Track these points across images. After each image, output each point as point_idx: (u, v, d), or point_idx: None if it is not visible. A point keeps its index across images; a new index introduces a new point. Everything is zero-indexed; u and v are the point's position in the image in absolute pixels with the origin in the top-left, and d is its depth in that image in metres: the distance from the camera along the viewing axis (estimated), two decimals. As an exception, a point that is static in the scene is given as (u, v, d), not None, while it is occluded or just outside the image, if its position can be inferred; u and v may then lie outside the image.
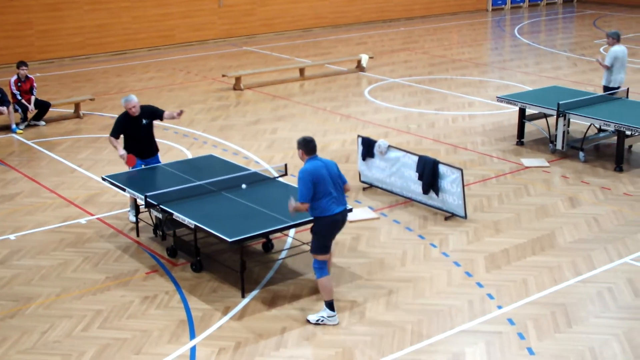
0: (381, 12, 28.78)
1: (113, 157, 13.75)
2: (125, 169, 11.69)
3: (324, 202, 7.98)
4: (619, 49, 14.24)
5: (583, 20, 29.69)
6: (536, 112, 14.08)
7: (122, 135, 10.71)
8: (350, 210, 8.57)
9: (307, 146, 8.11)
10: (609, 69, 14.25)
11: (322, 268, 8.11)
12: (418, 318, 8.33)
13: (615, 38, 14.37)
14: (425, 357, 7.62)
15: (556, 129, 13.40)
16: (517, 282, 9.09)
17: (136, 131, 10.71)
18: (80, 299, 8.85)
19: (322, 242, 8.10)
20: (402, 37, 25.79)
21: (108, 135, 10.90)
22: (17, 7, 21.71)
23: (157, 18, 24.09)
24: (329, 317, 8.13)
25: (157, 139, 14.17)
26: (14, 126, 15.39)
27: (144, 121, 10.76)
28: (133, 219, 10.79)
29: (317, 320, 8.13)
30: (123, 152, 10.67)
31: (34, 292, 9.05)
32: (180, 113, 10.90)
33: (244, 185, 9.84)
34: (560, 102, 13.23)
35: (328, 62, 21.12)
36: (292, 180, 11.46)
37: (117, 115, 10.87)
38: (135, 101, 10.59)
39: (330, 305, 8.13)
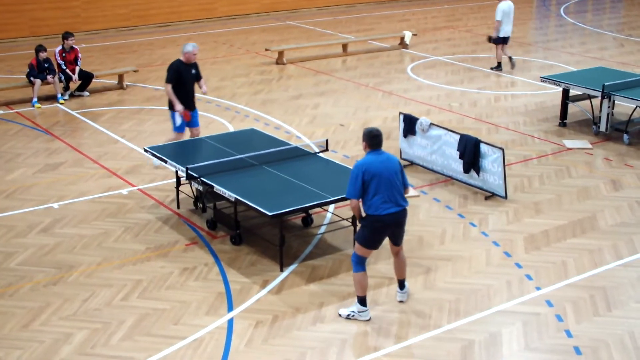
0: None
1: (155, 128, 13.89)
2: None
3: (375, 200, 7.56)
4: (505, 4, 17.28)
5: (632, -1, 29.06)
6: (580, 93, 13.86)
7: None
8: (405, 211, 7.84)
9: (371, 140, 7.66)
10: (499, 24, 17.21)
11: (359, 263, 7.77)
12: (456, 297, 8.32)
13: None
14: (462, 336, 7.61)
15: (600, 111, 13.19)
16: (557, 264, 9.01)
17: (187, 79, 11.27)
18: (121, 269, 8.99)
19: (368, 238, 7.71)
20: (445, 14, 25.52)
21: (165, 83, 11.29)
22: (64, -22, 21.95)
23: (201, -9, 24.16)
24: (359, 312, 7.84)
25: (199, 112, 14.26)
26: (59, 96, 15.60)
27: (193, 71, 11.38)
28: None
29: (348, 315, 7.90)
30: (181, 107, 11.19)
31: (75, 260, 9.21)
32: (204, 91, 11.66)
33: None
34: (606, 84, 13.01)
35: (371, 39, 20.99)
36: (332, 156, 11.47)
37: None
38: (197, 47, 11.30)
39: (362, 300, 7.83)
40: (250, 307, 8.16)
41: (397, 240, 7.96)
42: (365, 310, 7.87)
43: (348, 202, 7.94)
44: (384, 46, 20.53)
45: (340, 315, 7.94)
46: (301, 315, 7.99)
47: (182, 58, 11.26)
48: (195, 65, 11.40)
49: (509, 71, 17.81)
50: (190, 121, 11.52)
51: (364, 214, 7.77)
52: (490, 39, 17.72)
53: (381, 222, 7.65)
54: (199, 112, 12.06)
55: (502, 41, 17.52)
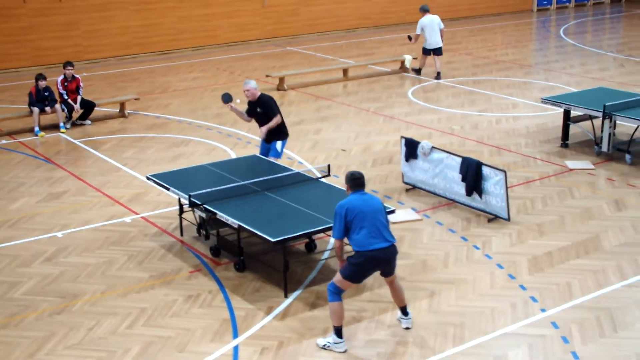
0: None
1: (157, 156, 13.94)
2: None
3: (361, 236, 7.60)
4: (426, 19, 19.33)
5: (631, 20, 29.21)
6: (581, 113, 13.89)
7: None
8: (394, 248, 7.84)
9: (353, 182, 7.82)
10: (418, 36, 19.53)
11: (336, 293, 7.70)
12: (460, 320, 8.29)
13: (423, 11, 19.46)
14: (467, 360, 7.59)
15: (602, 131, 13.22)
16: (561, 286, 8.99)
17: (254, 115, 11.55)
18: (125, 297, 8.98)
19: (354, 273, 7.68)
20: (445, 38, 25.41)
21: None
22: (66, 8, 22.09)
23: (202, 18, 24.30)
24: (335, 343, 7.73)
25: (200, 139, 14.25)
26: (61, 124, 15.66)
27: (259, 109, 11.43)
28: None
29: (324, 345, 7.78)
30: (234, 108, 11.60)
31: (80, 289, 9.20)
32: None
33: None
34: (607, 104, 13.04)
35: (371, 63, 21.10)
36: (335, 181, 11.49)
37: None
38: (248, 86, 11.33)
39: (338, 331, 7.72)
40: (255, 334, 8.14)
41: (387, 274, 7.94)
42: (341, 342, 7.75)
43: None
44: (385, 70, 20.63)
45: (317, 344, 7.85)
46: (306, 341, 7.96)
47: None
48: (261, 104, 11.38)
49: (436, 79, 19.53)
50: (269, 151, 11.62)
51: (345, 257, 7.82)
52: (410, 38, 19.94)
53: (369, 258, 7.63)
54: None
55: (428, 52, 19.54)
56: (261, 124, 11.50)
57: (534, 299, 8.69)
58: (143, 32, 23.41)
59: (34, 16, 21.72)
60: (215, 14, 24.49)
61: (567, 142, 13.94)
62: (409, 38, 20.01)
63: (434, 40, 19.40)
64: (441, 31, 19.49)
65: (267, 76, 19.19)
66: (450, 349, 7.77)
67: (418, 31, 19.57)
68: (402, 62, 20.50)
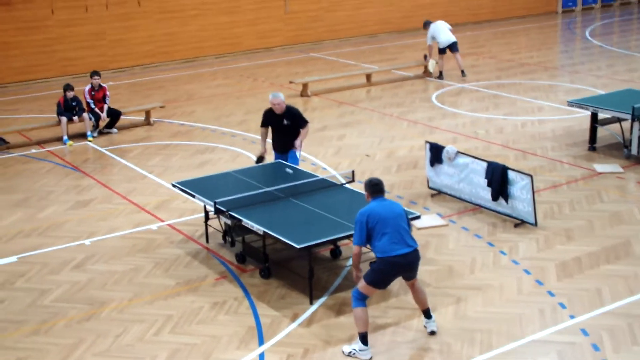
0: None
1: (183, 163, 13.99)
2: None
3: (384, 242, 7.61)
4: (431, 28, 19.88)
5: (658, 21, 28.91)
6: (609, 116, 13.75)
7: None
8: (417, 251, 7.85)
9: (372, 188, 7.88)
10: (431, 47, 19.93)
11: (360, 299, 7.70)
12: (487, 326, 8.22)
13: (426, 26, 20.19)
14: (495, 367, 7.52)
15: (631, 134, 13.07)
16: (591, 292, 8.88)
17: (278, 127, 11.36)
18: (152, 304, 9.01)
19: (377, 279, 7.69)
20: (468, 41, 25.51)
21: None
22: (92, 19, 22.26)
23: (224, 26, 24.37)
24: (360, 350, 7.68)
25: (225, 146, 14.27)
26: (88, 133, 15.79)
27: (285, 122, 11.27)
28: None
29: (350, 352, 7.73)
30: (262, 152, 11.53)
31: (107, 296, 9.25)
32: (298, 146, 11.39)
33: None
34: (635, 106, 12.88)
35: (394, 68, 21.04)
36: (359, 187, 11.45)
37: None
38: (279, 99, 11.18)
39: (363, 337, 7.68)
40: (281, 341, 8.13)
41: (409, 278, 7.94)
42: (366, 350, 7.71)
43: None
44: (408, 75, 20.57)
45: (343, 352, 7.82)
46: (331, 348, 7.93)
47: None
48: (288, 116, 11.25)
49: (463, 79, 19.73)
50: (287, 160, 11.56)
51: (361, 268, 7.83)
52: (425, 57, 20.29)
53: (392, 264, 7.64)
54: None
55: (444, 51, 19.74)
56: (285, 135, 11.34)
57: (562, 305, 8.59)
58: (166, 40, 23.53)
59: (61, 27, 21.92)
60: (237, 21, 24.56)
61: (594, 145, 13.79)
62: (425, 57, 20.34)
63: (445, 38, 19.63)
64: (450, 30, 19.86)
65: (290, 82, 19.22)
66: (477, 355, 7.71)
67: (429, 42, 19.96)
68: (426, 67, 20.43)
